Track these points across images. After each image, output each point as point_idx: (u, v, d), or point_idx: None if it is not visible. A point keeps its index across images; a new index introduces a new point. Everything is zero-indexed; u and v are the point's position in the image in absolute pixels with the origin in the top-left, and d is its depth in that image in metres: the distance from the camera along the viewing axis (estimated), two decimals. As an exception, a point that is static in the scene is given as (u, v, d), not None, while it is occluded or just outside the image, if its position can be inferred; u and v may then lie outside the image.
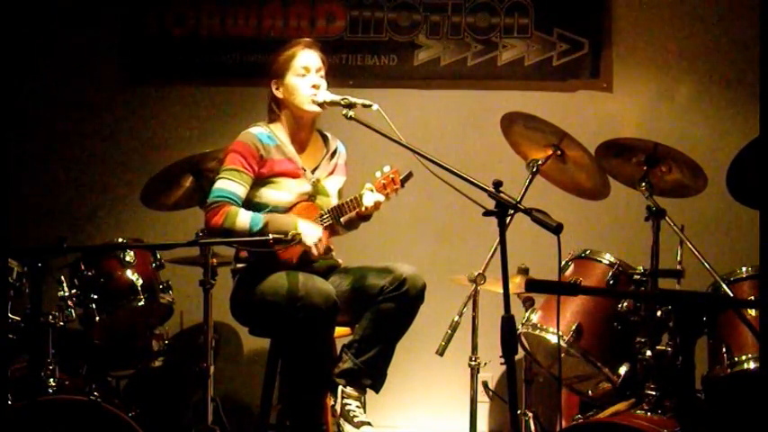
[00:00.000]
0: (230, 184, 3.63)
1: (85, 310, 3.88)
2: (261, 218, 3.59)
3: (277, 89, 3.75)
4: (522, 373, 3.91)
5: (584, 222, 4.46)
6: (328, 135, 3.91)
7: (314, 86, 3.69)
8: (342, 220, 3.77)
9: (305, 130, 3.80)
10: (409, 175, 3.66)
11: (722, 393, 3.40)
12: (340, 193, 3.88)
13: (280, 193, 3.69)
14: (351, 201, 3.67)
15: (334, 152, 3.89)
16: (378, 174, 3.67)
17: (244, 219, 3.58)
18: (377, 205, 3.65)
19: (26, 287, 3.69)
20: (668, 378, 3.31)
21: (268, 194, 3.69)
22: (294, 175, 3.73)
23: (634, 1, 4.82)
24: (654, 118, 4.79)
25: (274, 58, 3.78)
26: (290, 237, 3.39)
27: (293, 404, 3.62)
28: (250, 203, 3.67)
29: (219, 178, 3.66)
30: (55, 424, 3.29)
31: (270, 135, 3.74)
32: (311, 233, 3.57)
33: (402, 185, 3.67)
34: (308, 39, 3.82)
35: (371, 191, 3.65)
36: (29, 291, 3.62)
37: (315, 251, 3.57)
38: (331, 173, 3.86)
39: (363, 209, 3.65)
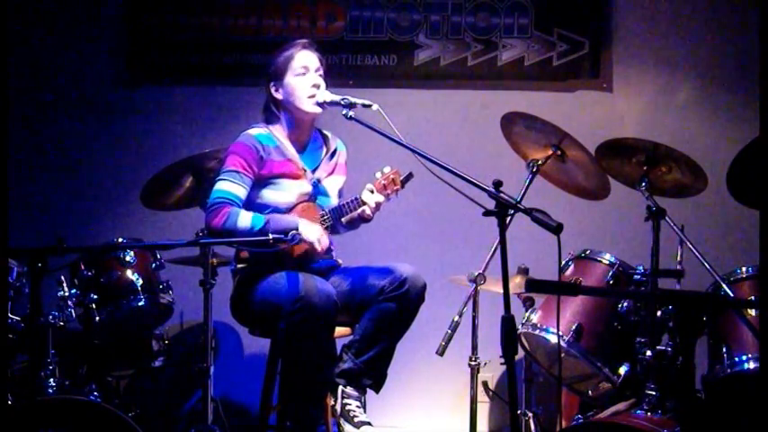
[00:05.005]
0: (231, 186, 3.62)
1: (85, 310, 3.88)
2: (262, 218, 3.59)
3: (276, 90, 3.75)
4: (522, 373, 3.91)
5: (584, 222, 4.45)
6: (328, 134, 3.90)
7: (314, 86, 3.68)
8: (343, 220, 3.77)
9: (304, 131, 3.79)
10: (409, 176, 3.66)
11: (722, 393, 3.40)
12: (340, 192, 3.88)
13: (280, 193, 3.69)
14: (351, 201, 3.67)
15: (334, 151, 3.88)
16: (378, 174, 3.67)
17: (245, 219, 3.57)
18: (377, 206, 3.65)
19: (26, 287, 3.69)
20: (668, 378, 3.31)
21: (268, 195, 3.69)
22: (294, 176, 3.72)
23: (634, 1, 4.82)
24: (654, 118, 4.78)
25: (272, 59, 3.77)
26: (289, 236, 3.39)
27: (293, 404, 3.62)
28: (251, 205, 3.66)
29: (220, 180, 3.65)
30: (55, 424, 3.28)
31: (269, 136, 3.73)
32: (312, 231, 3.58)
33: (402, 186, 3.67)
34: (304, 39, 3.81)
35: (372, 191, 3.65)
36: (29, 291, 3.62)
37: (318, 246, 3.57)
38: (331, 172, 3.85)
39: (364, 210, 3.65)
